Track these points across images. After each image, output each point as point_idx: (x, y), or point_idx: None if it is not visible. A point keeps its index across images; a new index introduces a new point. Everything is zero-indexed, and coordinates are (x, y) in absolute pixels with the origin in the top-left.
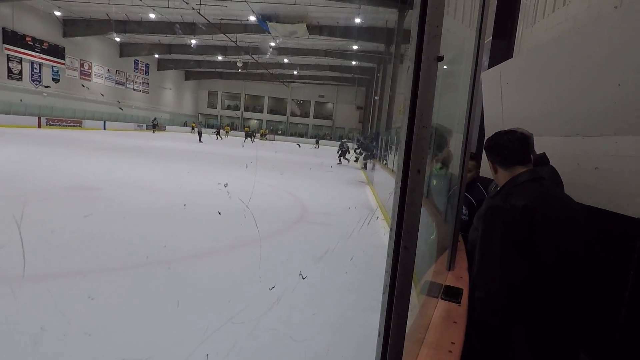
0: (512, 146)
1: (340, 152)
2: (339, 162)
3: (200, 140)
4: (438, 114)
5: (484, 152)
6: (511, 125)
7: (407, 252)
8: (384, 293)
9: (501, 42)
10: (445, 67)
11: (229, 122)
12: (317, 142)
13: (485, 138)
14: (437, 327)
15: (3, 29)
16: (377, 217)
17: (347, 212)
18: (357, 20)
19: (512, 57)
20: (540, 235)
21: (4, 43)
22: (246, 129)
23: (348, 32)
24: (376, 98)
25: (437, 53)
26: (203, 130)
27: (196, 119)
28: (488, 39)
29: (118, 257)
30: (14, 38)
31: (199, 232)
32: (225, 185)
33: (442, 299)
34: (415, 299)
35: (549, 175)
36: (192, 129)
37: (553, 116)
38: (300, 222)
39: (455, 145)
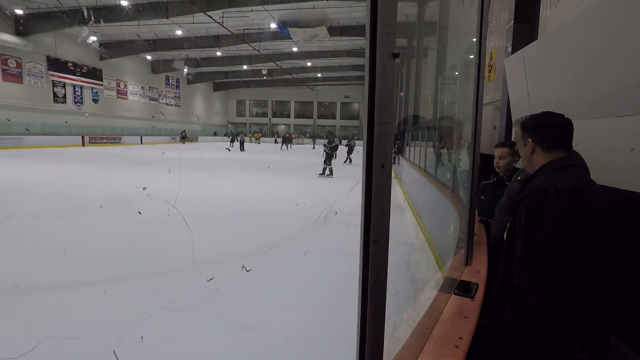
0: (562, 129)
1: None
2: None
3: (242, 149)
4: (459, 106)
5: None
6: (538, 110)
7: (377, 245)
8: (358, 285)
9: (524, 25)
10: (471, 56)
11: (259, 129)
12: (313, 142)
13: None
14: (447, 322)
15: (47, 57)
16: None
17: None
18: None
19: (536, 40)
20: (590, 221)
21: (49, 70)
22: (288, 135)
23: None
24: (401, 94)
25: (392, 50)
26: (241, 139)
27: (226, 129)
28: (510, 24)
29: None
30: (57, 64)
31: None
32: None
33: (455, 294)
34: (430, 292)
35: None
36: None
37: (582, 98)
38: (327, 224)
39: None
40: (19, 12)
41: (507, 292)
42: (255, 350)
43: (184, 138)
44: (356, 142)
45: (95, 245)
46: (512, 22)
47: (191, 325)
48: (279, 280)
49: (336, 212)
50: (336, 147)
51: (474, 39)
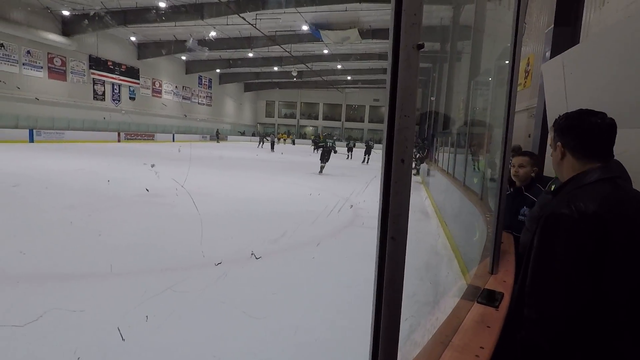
0: (599, 133)
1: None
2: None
3: (272, 150)
4: (491, 112)
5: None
6: None
7: (394, 242)
8: (374, 283)
9: (564, 30)
10: (506, 62)
11: (286, 130)
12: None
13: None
14: (468, 330)
15: (89, 56)
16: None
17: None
18: None
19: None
20: (614, 250)
21: (90, 68)
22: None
23: None
24: (432, 99)
25: (416, 41)
26: (271, 139)
27: (255, 129)
28: (549, 27)
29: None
30: (98, 63)
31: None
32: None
33: (478, 302)
34: (451, 298)
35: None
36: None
37: (627, 105)
38: (351, 226)
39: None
40: (65, 13)
41: (519, 313)
42: (262, 340)
43: (217, 137)
44: (375, 144)
45: (118, 238)
46: (552, 25)
47: (197, 309)
48: (290, 271)
49: (351, 205)
50: (327, 147)
51: (509, 44)
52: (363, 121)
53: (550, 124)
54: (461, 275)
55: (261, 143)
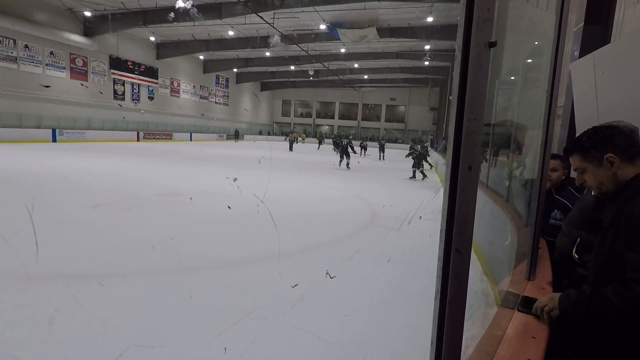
0: (633, 134)
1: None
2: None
3: (290, 149)
4: (518, 111)
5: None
6: (608, 120)
7: (459, 255)
8: (435, 299)
9: (595, 28)
10: (529, 60)
11: (302, 129)
12: (319, 142)
13: (578, 134)
14: (512, 341)
15: (110, 56)
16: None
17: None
18: (429, 19)
19: (609, 43)
20: None
21: (111, 68)
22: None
23: (420, 31)
24: (451, 98)
25: (489, 38)
26: (290, 138)
27: (272, 128)
28: (579, 26)
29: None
30: (118, 63)
31: None
32: None
33: (518, 310)
34: (490, 308)
35: None
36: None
37: None
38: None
39: (536, 143)
40: (87, 14)
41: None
42: None
43: (237, 136)
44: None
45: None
46: (582, 23)
47: (276, 336)
48: (361, 291)
49: (420, 217)
50: (344, 146)
51: (536, 42)
52: (379, 120)
53: (579, 125)
54: (487, 281)
55: (291, 144)
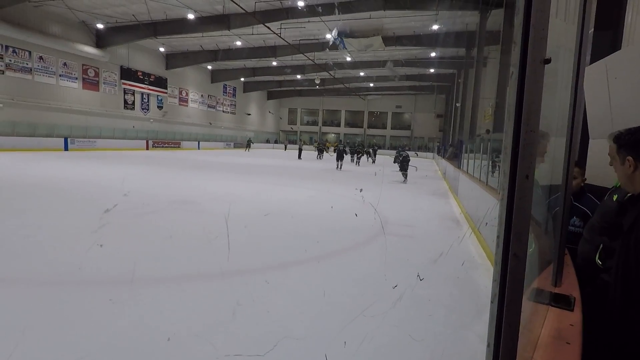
0: None
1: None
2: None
3: (299, 157)
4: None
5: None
6: (622, 126)
7: (517, 259)
8: (492, 302)
9: (606, 33)
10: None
11: (308, 138)
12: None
13: (591, 140)
14: (547, 347)
15: (121, 66)
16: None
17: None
18: (435, 27)
19: (619, 49)
20: None
21: (121, 79)
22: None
23: (425, 39)
24: (457, 105)
25: (543, 56)
26: (300, 145)
27: (278, 137)
28: (590, 31)
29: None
30: (129, 73)
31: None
32: None
33: (552, 305)
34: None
35: None
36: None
37: None
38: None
39: (556, 150)
40: (100, 26)
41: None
42: None
43: (249, 145)
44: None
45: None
46: (592, 29)
47: (384, 334)
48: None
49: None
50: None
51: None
52: (385, 128)
53: (592, 130)
54: None
55: (320, 154)
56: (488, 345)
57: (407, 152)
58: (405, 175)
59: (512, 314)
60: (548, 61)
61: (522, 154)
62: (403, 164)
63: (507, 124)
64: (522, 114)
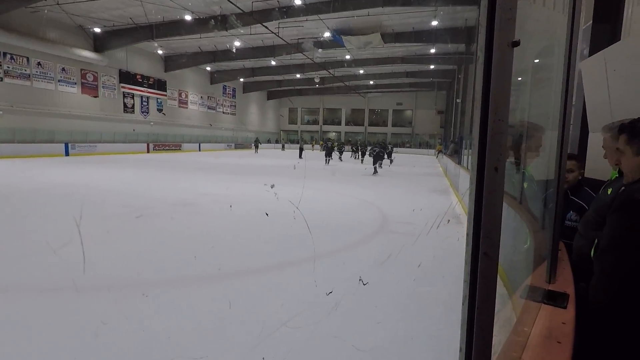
0: None
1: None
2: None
3: (300, 156)
4: (529, 111)
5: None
6: (621, 118)
7: (487, 258)
8: (463, 304)
9: (604, 26)
10: (536, 60)
11: (310, 137)
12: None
13: (591, 133)
14: (536, 347)
15: (119, 70)
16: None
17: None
18: (434, 23)
19: (619, 41)
20: None
21: (120, 82)
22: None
23: (424, 36)
24: (458, 101)
25: (511, 38)
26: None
27: (279, 136)
28: (587, 24)
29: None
30: (128, 77)
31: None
32: None
33: (544, 303)
34: (508, 312)
35: None
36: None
37: None
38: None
39: (554, 144)
40: (97, 30)
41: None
42: None
43: (257, 146)
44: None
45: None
46: (590, 22)
47: (311, 346)
48: (394, 297)
49: (449, 220)
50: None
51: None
52: (386, 125)
53: (592, 123)
54: (501, 283)
55: (328, 158)
56: (460, 350)
57: (382, 148)
58: (375, 169)
59: (485, 317)
60: (517, 44)
61: (491, 144)
62: (376, 159)
63: (475, 113)
64: (489, 101)
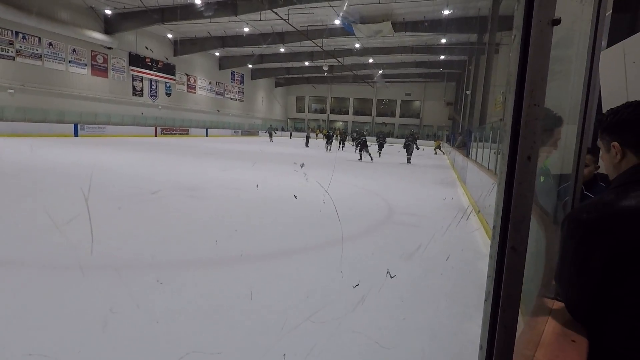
0: None
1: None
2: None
3: (307, 145)
4: (546, 104)
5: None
6: None
7: (514, 253)
8: (486, 300)
9: (624, 16)
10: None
11: (317, 125)
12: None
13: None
14: (550, 345)
15: (129, 53)
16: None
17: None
18: (445, 12)
19: (638, 32)
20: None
21: (130, 65)
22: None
23: (436, 25)
24: (468, 92)
25: (552, 16)
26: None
27: (286, 124)
28: (607, 14)
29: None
30: (137, 60)
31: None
32: None
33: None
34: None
35: None
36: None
37: None
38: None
39: (568, 137)
40: (108, 12)
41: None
42: None
43: (271, 135)
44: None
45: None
46: (610, 12)
47: (335, 342)
48: (420, 292)
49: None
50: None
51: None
52: (394, 116)
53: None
54: None
55: (328, 145)
56: (480, 348)
57: (366, 136)
58: (361, 156)
59: (509, 315)
60: (557, 22)
61: (524, 131)
62: (362, 146)
63: (509, 97)
64: (524, 84)
